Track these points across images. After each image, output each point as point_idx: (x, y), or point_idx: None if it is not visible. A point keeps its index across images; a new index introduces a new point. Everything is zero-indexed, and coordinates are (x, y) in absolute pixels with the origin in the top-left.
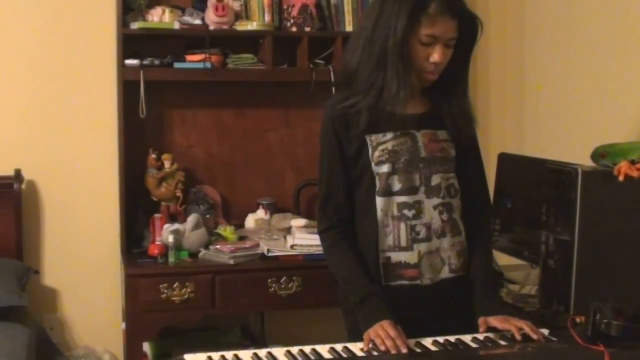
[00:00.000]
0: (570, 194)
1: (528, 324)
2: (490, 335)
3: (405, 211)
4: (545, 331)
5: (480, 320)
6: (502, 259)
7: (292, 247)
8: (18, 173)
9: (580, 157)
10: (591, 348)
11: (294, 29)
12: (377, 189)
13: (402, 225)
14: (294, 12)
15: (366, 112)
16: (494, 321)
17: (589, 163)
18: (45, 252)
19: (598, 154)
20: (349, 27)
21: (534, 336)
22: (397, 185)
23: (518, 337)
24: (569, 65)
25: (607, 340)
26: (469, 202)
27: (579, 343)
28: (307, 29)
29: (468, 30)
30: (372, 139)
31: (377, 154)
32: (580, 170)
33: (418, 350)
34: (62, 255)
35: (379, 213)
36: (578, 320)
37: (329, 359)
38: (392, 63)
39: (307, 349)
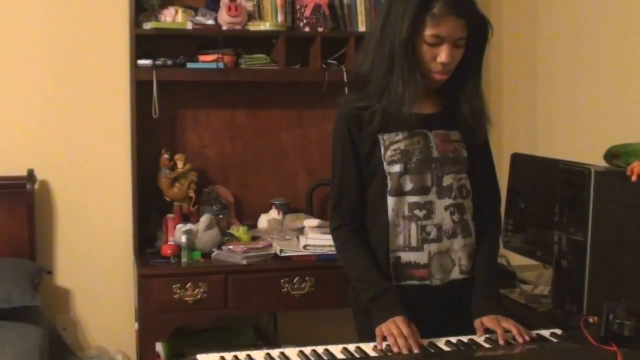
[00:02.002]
0: (583, 194)
1: (517, 326)
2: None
3: (417, 211)
4: (559, 331)
5: (476, 322)
6: (515, 259)
7: (304, 247)
8: (31, 173)
9: (593, 157)
10: (604, 348)
11: (306, 29)
12: (388, 188)
13: (413, 226)
14: (307, 12)
15: (380, 115)
16: (486, 321)
17: (601, 163)
18: (58, 252)
19: (611, 154)
20: (361, 27)
21: (519, 339)
22: (408, 185)
23: (501, 341)
24: (582, 65)
25: (619, 340)
26: (479, 203)
27: (591, 343)
28: (320, 29)
29: (479, 29)
30: (384, 138)
31: (389, 153)
32: (593, 171)
33: (431, 350)
34: (75, 255)
35: (390, 213)
36: (591, 320)
37: (342, 359)
38: (398, 64)
39: (319, 349)
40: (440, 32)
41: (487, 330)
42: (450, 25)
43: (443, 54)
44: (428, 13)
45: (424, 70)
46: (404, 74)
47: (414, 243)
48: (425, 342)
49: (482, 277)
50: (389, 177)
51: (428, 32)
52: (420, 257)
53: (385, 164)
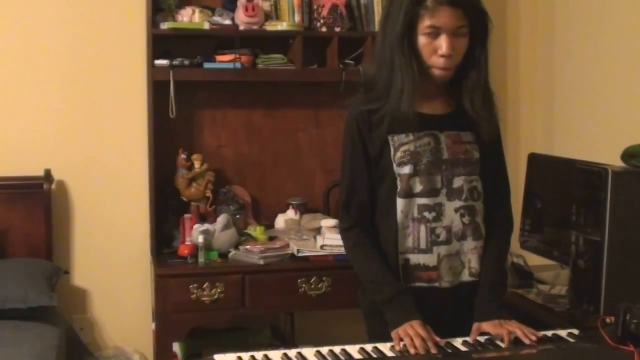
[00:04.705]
0: (601, 194)
1: (522, 328)
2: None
3: (426, 213)
4: (576, 331)
5: (474, 326)
6: (532, 260)
7: (322, 247)
8: (48, 173)
9: (610, 157)
10: (621, 348)
11: (324, 29)
12: (398, 190)
13: (422, 228)
14: (324, 13)
15: (390, 117)
16: (488, 327)
17: (619, 163)
18: (75, 252)
19: (628, 155)
20: (378, 28)
21: (526, 341)
22: (418, 187)
23: (507, 342)
24: (599, 65)
25: (637, 340)
26: (490, 205)
27: (609, 343)
28: (337, 30)
29: (479, 21)
30: (394, 139)
31: (399, 155)
32: (610, 171)
33: (449, 350)
34: (92, 255)
35: (399, 215)
36: (608, 320)
37: (359, 359)
38: (397, 61)
39: (337, 349)
40: (436, 22)
41: (482, 335)
42: (445, 14)
43: (443, 46)
44: (422, 6)
45: (428, 65)
46: (402, 70)
47: (423, 245)
48: (442, 342)
49: (487, 280)
50: (398, 179)
51: (425, 24)
52: (429, 260)
53: (395, 165)
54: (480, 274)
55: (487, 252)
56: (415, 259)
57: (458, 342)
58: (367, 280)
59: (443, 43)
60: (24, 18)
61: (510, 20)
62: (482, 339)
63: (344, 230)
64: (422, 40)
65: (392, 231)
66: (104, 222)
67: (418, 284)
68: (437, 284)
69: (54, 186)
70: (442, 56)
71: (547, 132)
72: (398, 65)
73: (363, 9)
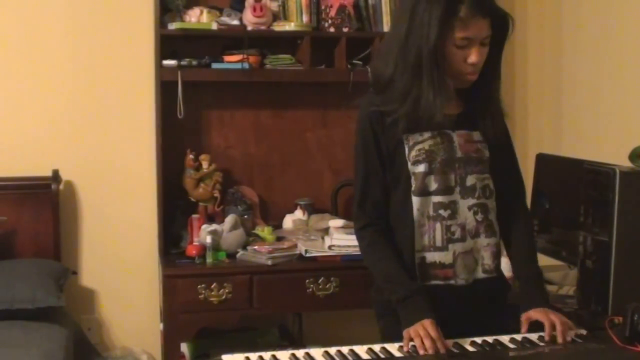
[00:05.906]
0: (608, 194)
1: (564, 323)
2: (528, 335)
3: (441, 211)
4: (583, 331)
5: (523, 317)
6: (540, 260)
7: (329, 247)
8: (56, 174)
9: (618, 157)
10: (629, 348)
11: (331, 29)
12: (413, 188)
13: (438, 225)
14: (332, 13)
15: (404, 120)
16: (535, 314)
17: (627, 164)
18: (83, 252)
19: (636, 155)
20: (386, 28)
21: (560, 339)
22: (433, 185)
23: (547, 337)
24: (607, 65)
25: None
26: (506, 202)
27: (616, 343)
28: (345, 30)
29: (499, 26)
30: (409, 138)
31: (413, 153)
32: (618, 171)
33: (456, 350)
34: (100, 256)
35: (416, 213)
36: (616, 320)
37: None
38: (427, 71)
39: (344, 349)
40: (469, 34)
41: (531, 326)
42: (478, 26)
43: (473, 55)
44: (455, 17)
45: (455, 72)
46: (434, 82)
47: (439, 243)
48: (450, 342)
49: (523, 275)
50: (413, 177)
51: (457, 35)
52: (445, 257)
53: (409, 164)
54: (514, 272)
55: (514, 249)
56: (431, 256)
57: (466, 342)
58: (381, 280)
59: (474, 53)
60: (31, 18)
61: (518, 20)
62: (490, 339)
63: (359, 229)
64: (453, 49)
65: (408, 230)
66: (111, 222)
67: (434, 282)
68: (452, 282)
69: (61, 186)
70: (472, 64)
71: (555, 132)
72: (429, 76)
73: (371, 9)
